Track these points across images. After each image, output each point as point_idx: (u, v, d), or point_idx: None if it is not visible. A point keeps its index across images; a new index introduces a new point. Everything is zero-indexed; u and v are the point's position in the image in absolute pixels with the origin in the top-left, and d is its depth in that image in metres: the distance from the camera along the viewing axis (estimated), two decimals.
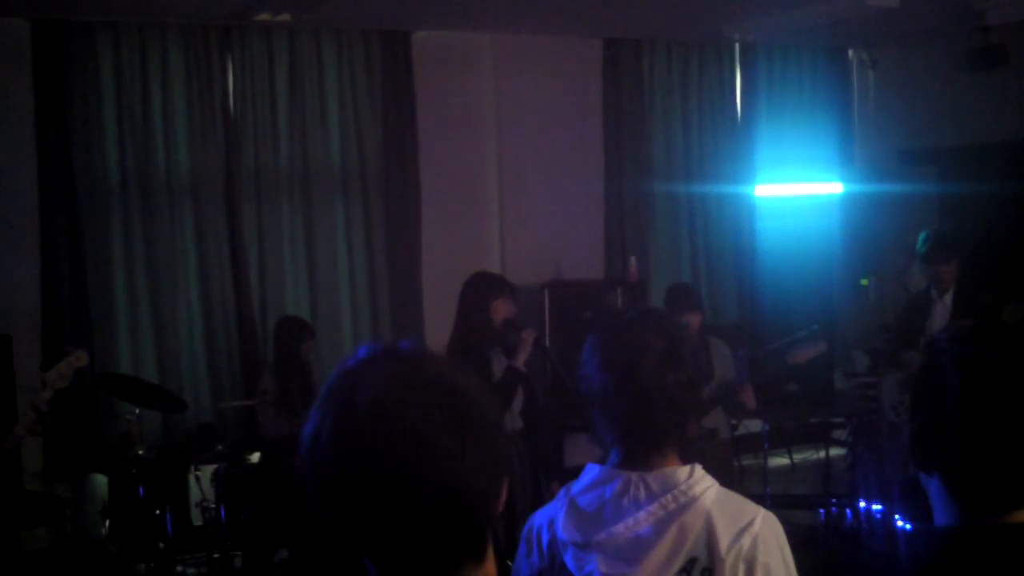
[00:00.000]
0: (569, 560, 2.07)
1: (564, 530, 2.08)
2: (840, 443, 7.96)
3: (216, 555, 5.80)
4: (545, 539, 2.13)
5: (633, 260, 7.98)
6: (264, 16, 6.79)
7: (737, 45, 8.75)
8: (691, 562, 1.99)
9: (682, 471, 2.05)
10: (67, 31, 6.62)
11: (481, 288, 5.34)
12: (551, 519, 2.13)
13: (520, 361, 5.18)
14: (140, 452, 5.67)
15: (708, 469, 2.13)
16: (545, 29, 7.89)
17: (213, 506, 5.78)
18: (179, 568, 5.59)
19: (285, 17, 6.82)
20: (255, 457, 6.34)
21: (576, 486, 2.13)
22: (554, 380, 6.87)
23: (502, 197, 8.01)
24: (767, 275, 8.67)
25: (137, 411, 5.81)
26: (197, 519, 5.99)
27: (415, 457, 1.29)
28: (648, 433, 2.07)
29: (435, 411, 1.31)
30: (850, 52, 9.23)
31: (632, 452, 2.09)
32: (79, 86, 6.67)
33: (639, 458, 2.07)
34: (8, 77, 6.56)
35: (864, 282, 8.68)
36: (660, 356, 2.05)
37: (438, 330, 7.15)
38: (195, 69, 7.01)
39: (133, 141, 6.87)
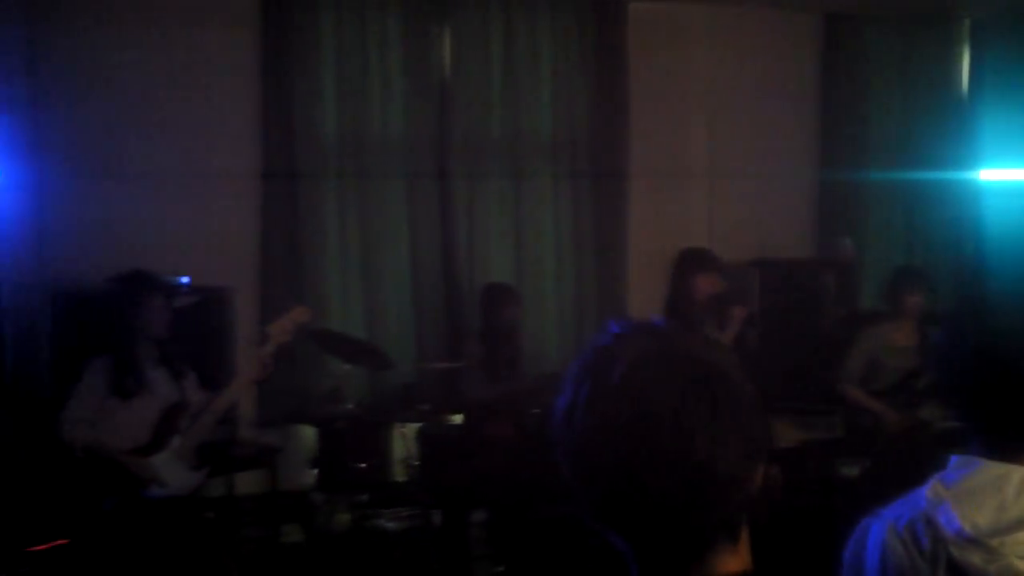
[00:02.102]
0: (968, 559, 1.86)
1: (959, 526, 1.88)
2: None
3: (416, 511, 5.92)
4: (924, 540, 1.92)
5: (848, 241, 7.73)
6: None
7: (967, 20, 8.34)
8: None
9: None
10: None
11: (684, 263, 5.32)
12: (923, 513, 1.93)
13: (728, 338, 5.11)
14: (348, 407, 5.82)
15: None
16: (764, 1, 7.69)
17: (415, 463, 5.90)
18: (380, 521, 5.72)
19: None
20: (457, 418, 6.44)
21: (951, 481, 1.95)
22: (758, 359, 6.73)
23: (711, 172, 7.88)
24: (992, 264, 8.25)
25: (345, 367, 5.96)
26: (399, 475, 6.12)
27: (670, 435, 1.26)
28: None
29: (691, 389, 1.29)
30: None
31: (1015, 444, 1.93)
32: (301, 52, 6.86)
33: (1016, 451, 1.92)
34: (236, 41, 6.79)
35: None
36: None
37: (643, 303, 7.12)
38: (412, 37, 7.11)
39: (351, 105, 7.02)
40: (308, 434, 6.51)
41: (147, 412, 4.59)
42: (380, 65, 7.06)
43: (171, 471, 4.57)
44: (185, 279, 6.17)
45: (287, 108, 6.84)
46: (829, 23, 8.08)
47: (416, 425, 6.09)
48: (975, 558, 1.85)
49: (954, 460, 1.98)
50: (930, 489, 1.96)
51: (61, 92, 6.37)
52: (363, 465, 5.61)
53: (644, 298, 6.97)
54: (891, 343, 6.22)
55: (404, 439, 6.02)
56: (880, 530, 1.98)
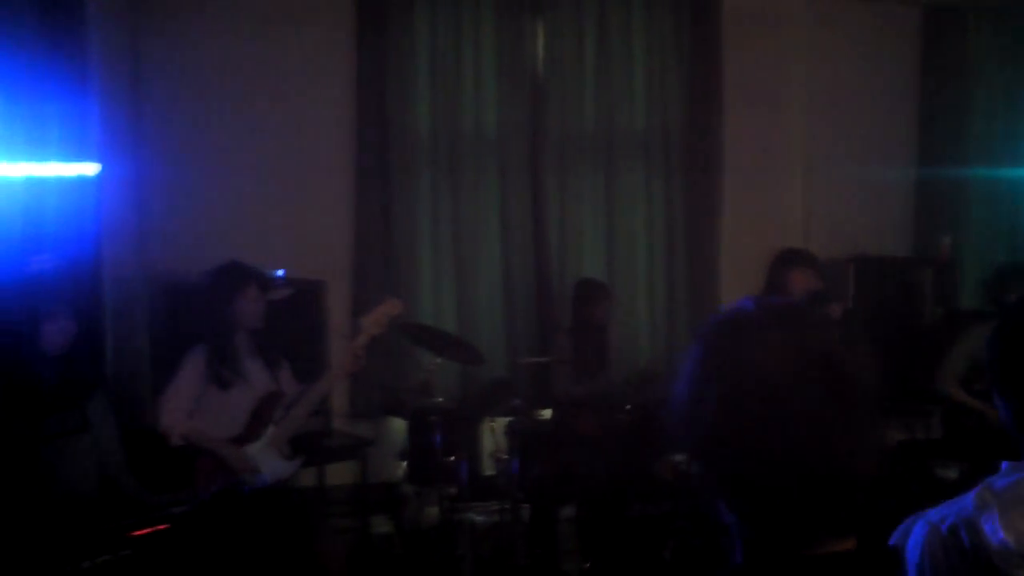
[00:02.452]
0: (1014, 571, 1.81)
1: (1003, 537, 1.82)
2: None
3: (505, 505, 5.93)
4: (966, 546, 1.86)
5: (946, 239, 7.56)
6: None
7: None
8: None
9: None
10: None
11: (781, 261, 5.24)
12: (968, 518, 1.87)
13: None
14: (438, 400, 5.85)
15: None
16: None
17: (505, 458, 5.90)
18: (468, 515, 5.74)
19: None
20: (547, 414, 6.43)
21: (1000, 487, 1.88)
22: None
23: (807, 168, 7.76)
24: None
25: (437, 361, 5.98)
26: (489, 469, 6.14)
27: (804, 436, 1.26)
28: None
29: (828, 391, 1.27)
30: None
31: None
32: (396, 47, 6.91)
33: None
34: (333, 35, 6.86)
35: None
36: None
37: (735, 300, 7.02)
38: (506, 31, 7.12)
39: (444, 101, 7.06)
40: (398, 427, 6.56)
41: (242, 402, 4.65)
42: (473, 61, 7.09)
43: (264, 461, 4.64)
44: (280, 272, 6.25)
45: (381, 104, 6.90)
46: (929, 15, 7.92)
47: (506, 420, 6.10)
48: (1019, 572, 1.79)
49: (1005, 466, 1.91)
50: (978, 494, 1.88)
51: (163, 88, 6.51)
52: (452, 458, 5.61)
53: (737, 295, 6.86)
54: None
55: (493, 433, 6.03)
56: (923, 531, 1.92)
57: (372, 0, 6.87)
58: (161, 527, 3.96)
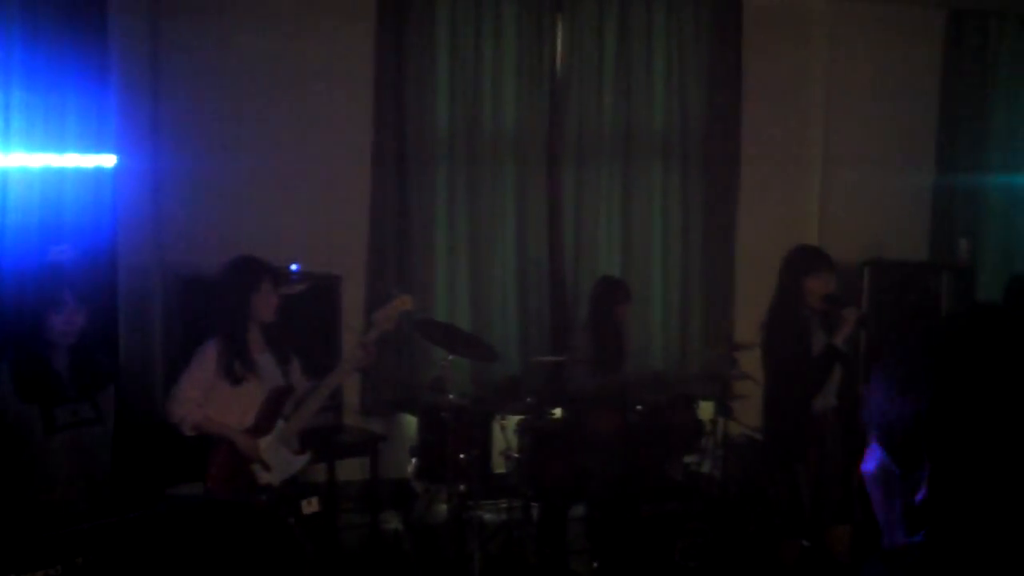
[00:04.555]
0: None
1: None
2: None
3: (515, 504, 5.93)
4: None
5: (964, 243, 7.52)
6: None
7: None
8: None
9: None
10: None
11: (793, 263, 5.21)
12: None
13: (840, 339, 5.01)
14: (450, 397, 5.85)
15: None
16: None
17: (516, 455, 5.90)
18: (478, 512, 5.74)
19: None
20: (558, 412, 6.43)
21: None
22: (870, 363, 6.58)
23: (824, 169, 7.73)
24: None
25: (450, 358, 5.98)
26: (500, 467, 6.14)
27: None
28: None
29: None
30: None
31: None
32: (417, 40, 6.91)
33: None
34: (353, 29, 6.87)
35: None
36: None
37: (749, 301, 7.01)
38: (526, 29, 7.11)
39: (462, 99, 7.05)
40: (410, 423, 6.57)
41: (254, 396, 4.66)
42: (493, 58, 7.08)
43: (275, 455, 4.65)
44: (295, 266, 6.27)
45: (400, 99, 6.91)
46: (952, 18, 7.88)
47: (519, 417, 6.10)
48: None
49: None
50: None
51: (181, 81, 6.52)
52: (464, 456, 5.62)
53: (751, 294, 6.85)
54: None
55: (504, 431, 6.03)
56: None
57: None
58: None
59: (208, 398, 4.62)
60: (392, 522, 6.51)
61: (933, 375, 1.29)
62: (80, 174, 5.72)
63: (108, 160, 5.80)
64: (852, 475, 5.13)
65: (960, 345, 1.30)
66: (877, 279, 7.33)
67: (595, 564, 5.64)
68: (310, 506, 4.40)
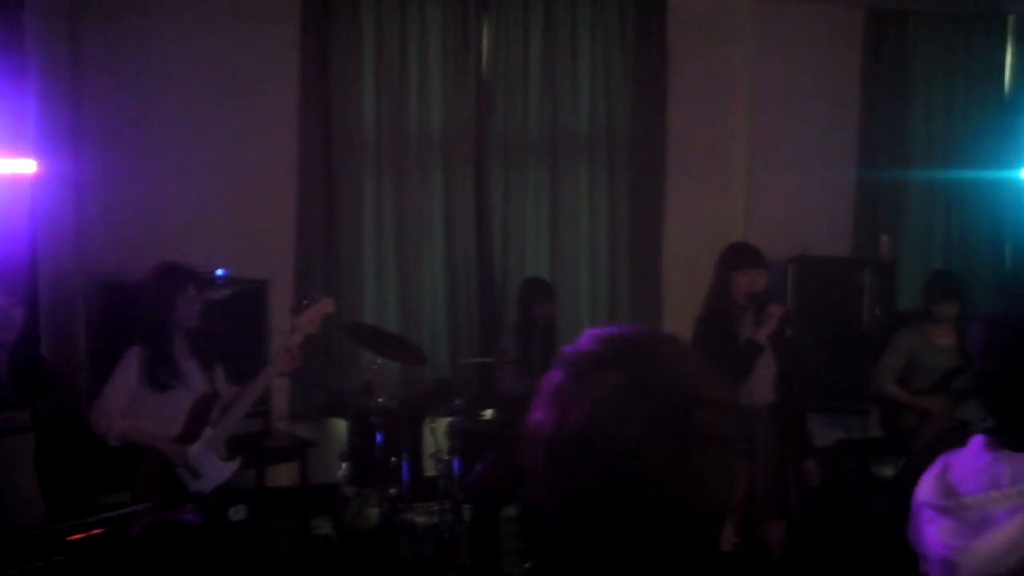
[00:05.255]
0: (924, 519, 2.10)
1: (925, 491, 2.13)
2: None
3: (446, 506, 5.92)
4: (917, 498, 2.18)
5: (885, 240, 7.65)
6: None
7: (1011, 18, 8.23)
8: None
9: None
10: None
11: (723, 260, 5.30)
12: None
13: (762, 335, 5.08)
14: (380, 400, 5.83)
15: None
16: None
17: (446, 458, 5.89)
18: (410, 516, 5.72)
19: None
20: (489, 413, 6.44)
21: (956, 453, 2.15)
22: (795, 357, 6.67)
23: (750, 168, 7.82)
24: None
25: (378, 361, 5.96)
26: (430, 470, 6.12)
27: (634, 476, 1.24)
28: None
29: (656, 428, 1.25)
30: None
31: (1009, 435, 2.06)
32: (341, 43, 6.87)
33: (1014, 441, 2.04)
34: (276, 33, 6.80)
35: None
36: None
37: (676, 298, 7.09)
38: (452, 30, 7.11)
39: (388, 101, 7.03)
40: (340, 427, 6.54)
41: (179, 404, 4.61)
42: (419, 59, 7.07)
43: (203, 463, 4.60)
44: (221, 271, 6.21)
45: (325, 102, 6.87)
46: (872, 18, 8.01)
47: (449, 420, 6.09)
48: (925, 517, 2.08)
49: (974, 439, 2.16)
50: (941, 457, 2.18)
51: (103, 85, 6.42)
52: (393, 459, 5.60)
53: (678, 293, 6.93)
54: (929, 342, 6.18)
55: (434, 434, 6.02)
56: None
57: None
58: (96, 532, 3.91)
59: (133, 407, 4.56)
60: (323, 527, 6.47)
61: None
62: None
63: (27, 166, 5.69)
64: (787, 470, 5.20)
65: None
66: (802, 275, 7.44)
67: (527, 564, 5.65)
68: (238, 513, 4.36)
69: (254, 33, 6.76)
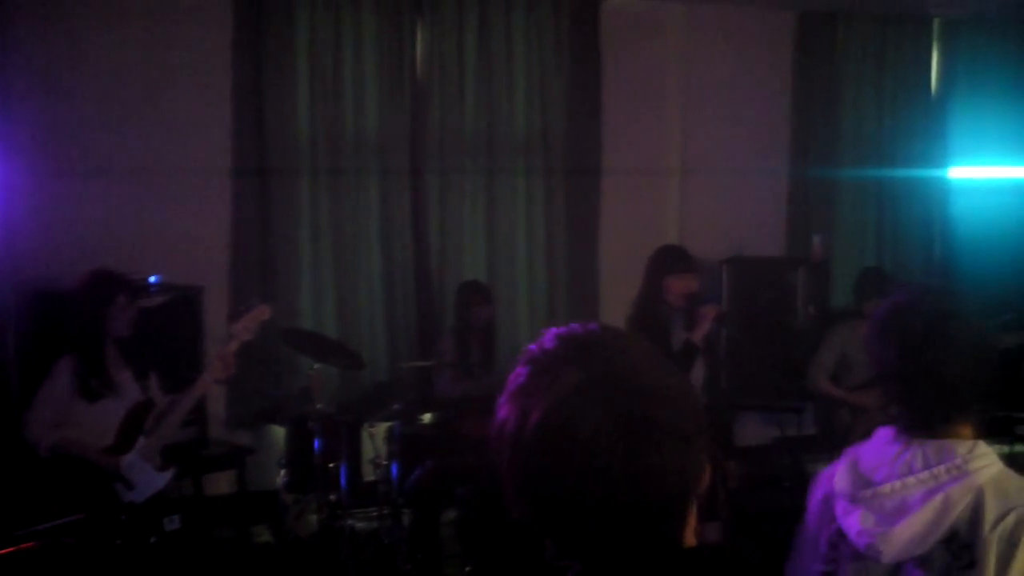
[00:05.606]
0: (838, 511, 2.14)
1: (838, 482, 2.17)
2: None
3: (386, 511, 5.91)
4: (821, 493, 2.24)
5: (817, 239, 7.76)
6: None
7: (936, 20, 8.39)
8: (952, 536, 1.98)
9: (962, 445, 2.06)
10: None
11: (656, 262, 5.36)
12: (832, 474, 2.22)
13: (698, 336, 5.13)
14: (318, 406, 5.81)
15: None
16: None
17: (385, 463, 5.89)
18: (350, 522, 5.70)
19: None
20: (428, 417, 6.43)
21: (862, 445, 2.22)
22: (729, 358, 6.76)
23: (684, 170, 7.89)
24: (959, 261, 8.31)
25: (316, 366, 5.94)
26: (369, 475, 6.11)
27: (592, 474, 1.26)
28: (931, 405, 2.10)
29: (613, 424, 1.26)
30: None
31: (917, 421, 2.12)
32: (275, 47, 6.82)
33: (923, 427, 2.10)
34: (209, 37, 6.74)
35: None
36: (939, 332, 2.08)
37: (613, 301, 7.12)
38: (386, 34, 7.08)
39: (323, 105, 6.99)
40: (278, 434, 6.50)
41: (112, 413, 4.55)
42: (353, 63, 7.04)
43: (137, 473, 4.55)
44: (155, 278, 6.14)
45: (259, 105, 6.81)
46: (802, 21, 8.11)
47: (388, 424, 6.08)
48: (840, 510, 2.14)
49: (879, 430, 2.23)
50: (848, 450, 2.24)
51: (31, 90, 6.32)
52: (332, 465, 5.58)
53: (615, 294, 6.96)
54: (861, 339, 6.26)
55: (373, 439, 6.01)
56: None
57: (250, 0, 6.78)
58: (27, 545, 3.85)
59: (65, 417, 4.50)
60: (262, 535, 6.42)
61: None
62: None
63: None
64: (719, 471, 5.25)
65: None
66: (736, 276, 7.52)
67: (468, 568, 5.65)
68: (172, 523, 4.33)
69: (186, 37, 6.69)
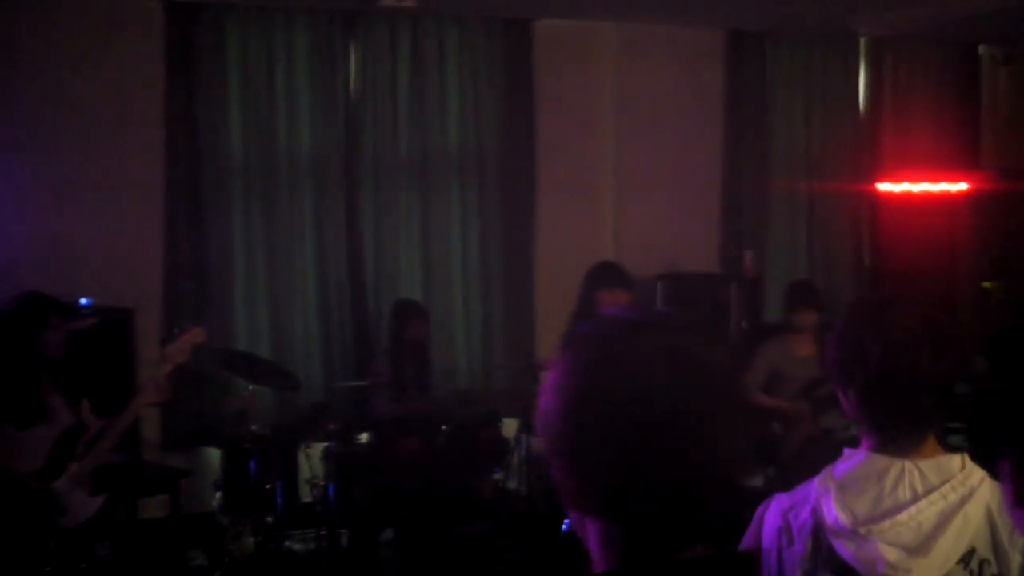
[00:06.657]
0: (841, 547, 2.03)
1: (836, 516, 2.04)
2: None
3: (323, 532, 5.88)
4: (809, 525, 2.09)
5: (749, 255, 7.87)
6: (389, 2, 6.84)
7: (863, 40, 8.56)
8: (970, 552, 1.98)
9: (954, 460, 2.06)
10: (198, 14, 6.75)
11: (590, 278, 5.41)
12: (812, 506, 2.09)
13: None
14: (253, 428, 5.77)
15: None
16: (669, 18, 7.80)
17: (322, 483, 5.87)
18: (287, 543, 5.68)
19: (409, 3, 6.86)
20: (364, 437, 6.42)
21: (839, 471, 2.10)
22: None
23: (618, 188, 7.96)
24: (887, 275, 8.46)
25: (251, 388, 5.91)
26: (306, 496, 6.09)
27: (681, 440, 1.27)
28: (915, 421, 2.07)
29: (700, 394, 1.28)
30: (980, 49, 8.93)
31: (896, 438, 2.07)
32: (207, 68, 6.80)
33: (906, 445, 2.06)
34: (140, 57, 6.71)
35: (987, 285, 8.42)
36: (926, 342, 2.03)
37: (549, 318, 7.16)
38: (319, 54, 7.09)
39: (256, 123, 6.98)
40: (214, 456, 6.44)
41: (42, 438, 4.48)
42: (286, 82, 7.03)
43: (68, 498, 4.48)
44: (85, 300, 6.07)
45: (192, 125, 6.78)
46: (731, 39, 8.22)
47: (324, 445, 6.06)
48: (849, 546, 2.01)
49: (846, 452, 2.15)
50: (820, 479, 2.11)
51: None
52: (268, 486, 5.55)
53: (551, 312, 7.00)
54: (792, 353, 6.35)
55: (309, 459, 5.99)
56: (775, 514, 2.15)
57: (181, 19, 6.74)
58: None
59: None
60: (198, 558, 6.35)
61: None
62: None
63: None
64: None
65: None
66: (670, 292, 7.58)
67: None
68: (103, 549, 4.27)
69: (118, 58, 6.65)
